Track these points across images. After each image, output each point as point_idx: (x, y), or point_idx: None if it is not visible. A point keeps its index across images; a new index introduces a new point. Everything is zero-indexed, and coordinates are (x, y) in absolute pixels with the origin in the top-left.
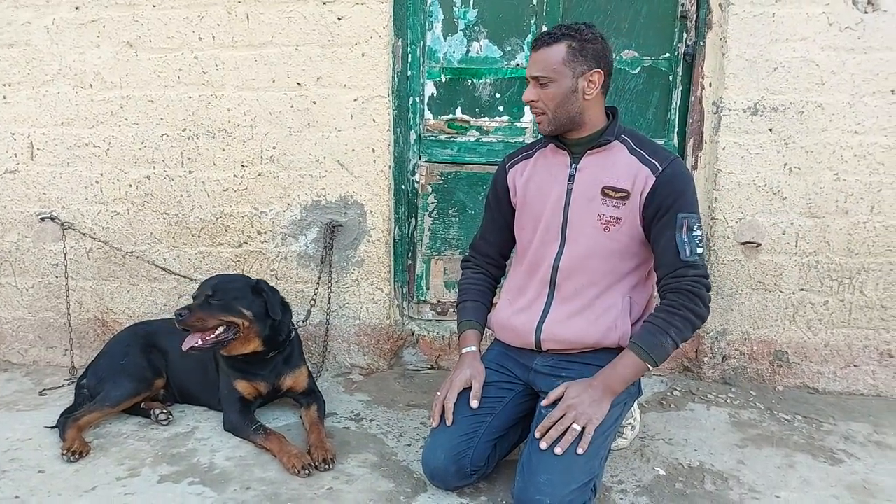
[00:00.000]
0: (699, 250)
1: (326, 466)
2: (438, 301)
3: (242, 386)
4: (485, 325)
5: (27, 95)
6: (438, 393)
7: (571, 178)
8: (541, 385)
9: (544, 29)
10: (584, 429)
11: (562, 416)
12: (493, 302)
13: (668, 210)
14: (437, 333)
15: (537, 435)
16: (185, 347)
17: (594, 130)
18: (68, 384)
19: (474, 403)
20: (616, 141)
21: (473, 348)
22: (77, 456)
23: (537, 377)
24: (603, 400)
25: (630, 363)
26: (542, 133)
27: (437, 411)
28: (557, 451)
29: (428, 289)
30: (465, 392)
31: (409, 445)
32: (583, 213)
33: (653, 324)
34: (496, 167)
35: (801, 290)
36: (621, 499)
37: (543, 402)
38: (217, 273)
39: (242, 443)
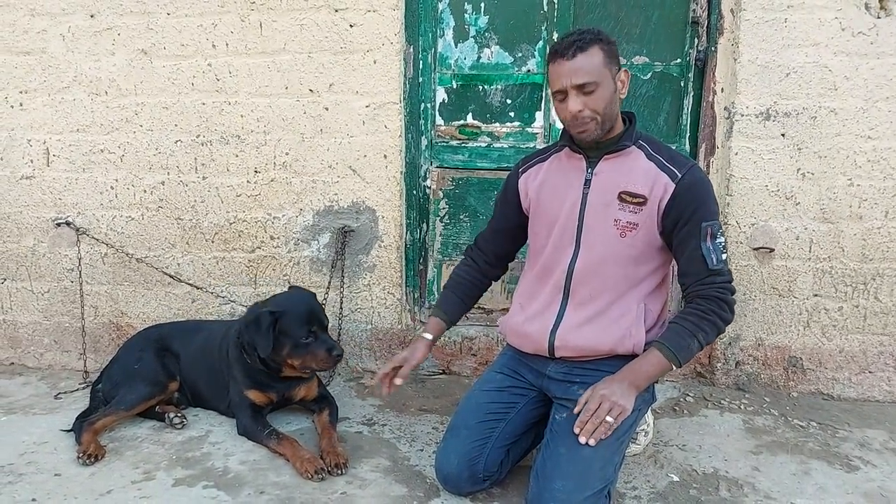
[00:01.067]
0: (724, 256)
1: (339, 471)
2: None
3: (254, 395)
4: (453, 319)
5: (43, 102)
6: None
7: (587, 183)
8: (554, 391)
9: (555, 35)
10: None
11: (597, 408)
12: (475, 298)
13: (689, 219)
14: (449, 338)
15: (576, 430)
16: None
17: (615, 134)
18: (83, 388)
19: (399, 381)
20: (633, 146)
21: (428, 336)
22: (93, 459)
23: (551, 383)
24: (629, 393)
25: (656, 362)
26: (586, 142)
27: (379, 379)
28: (591, 442)
29: (439, 294)
30: (479, 395)
31: (422, 450)
32: (599, 218)
33: (682, 326)
34: (507, 173)
35: (816, 295)
36: None
37: (575, 410)
38: (297, 292)
39: (256, 447)
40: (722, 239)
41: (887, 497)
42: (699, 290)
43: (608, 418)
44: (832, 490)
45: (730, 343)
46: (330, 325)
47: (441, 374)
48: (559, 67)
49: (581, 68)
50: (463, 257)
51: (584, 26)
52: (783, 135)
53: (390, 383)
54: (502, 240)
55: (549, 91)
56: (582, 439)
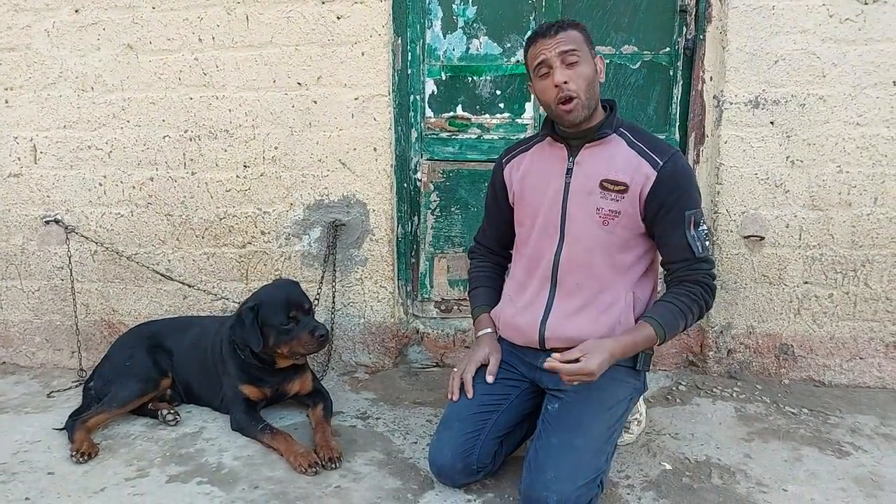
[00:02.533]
0: (707, 244)
1: (333, 465)
2: (443, 299)
3: (249, 390)
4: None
5: (29, 99)
6: (455, 370)
7: (569, 172)
8: (546, 382)
9: None
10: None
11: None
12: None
13: (672, 207)
14: (442, 331)
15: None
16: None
17: (596, 122)
18: (76, 386)
19: (490, 378)
20: (614, 134)
21: (489, 330)
22: (86, 457)
23: (543, 375)
24: (606, 367)
25: (648, 338)
26: (573, 122)
27: (454, 385)
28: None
29: (432, 287)
30: (474, 386)
31: (416, 443)
32: (581, 207)
33: (675, 305)
34: None
35: (806, 283)
36: (628, 493)
37: (563, 356)
38: (276, 283)
39: (250, 442)
40: (705, 227)
41: (878, 482)
42: (688, 274)
43: (574, 382)
44: (823, 476)
45: (721, 331)
46: (315, 311)
47: (434, 366)
48: (540, 45)
49: (564, 38)
50: (472, 259)
51: (573, 17)
52: (772, 123)
53: (472, 385)
54: (500, 232)
55: (530, 74)
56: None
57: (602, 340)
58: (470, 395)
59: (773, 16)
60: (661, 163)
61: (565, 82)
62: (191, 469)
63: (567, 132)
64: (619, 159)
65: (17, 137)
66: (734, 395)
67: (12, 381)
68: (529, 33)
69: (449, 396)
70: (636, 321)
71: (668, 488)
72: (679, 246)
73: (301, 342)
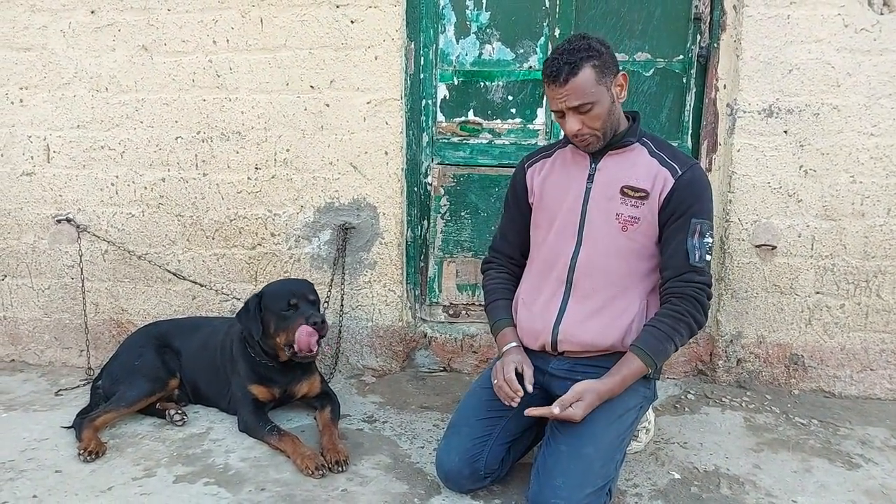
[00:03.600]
0: (707, 257)
1: (340, 468)
2: (451, 303)
3: (257, 390)
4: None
5: (43, 98)
6: (495, 381)
7: (591, 178)
8: (556, 389)
9: (557, 31)
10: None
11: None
12: None
13: (683, 213)
14: (450, 336)
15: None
16: (314, 351)
17: (618, 132)
18: (84, 385)
19: (530, 387)
20: (637, 143)
21: (515, 344)
22: (93, 456)
23: (552, 381)
24: (597, 400)
25: (637, 370)
26: (590, 150)
27: (507, 392)
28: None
29: (440, 291)
30: (480, 393)
31: (423, 447)
32: (601, 212)
33: (659, 329)
34: (509, 169)
35: (817, 293)
36: (636, 502)
37: (558, 406)
38: (285, 278)
39: (257, 444)
40: (710, 240)
41: (888, 495)
42: (676, 287)
43: (556, 411)
44: (833, 488)
45: (731, 340)
46: (324, 313)
47: (442, 371)
48: (553, 92)
49: (574, 92)
50: (488, 270)
51: (575, 36)
52: (786, 132)
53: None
54: (518, 238)
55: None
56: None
57: (592, 384)
58: (521, 396)
59: (788, 25)
60: (680, 171)
61: (578, 129)
62: (198, 470)
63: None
64: (641, 167)
65: (30, 136)
66: (743, 404)
67: (21, 379)
68: (544, 67)
69: (511, 403)
70: None
71: (676, 498)
72: (677, 251)
73: (296, 329)
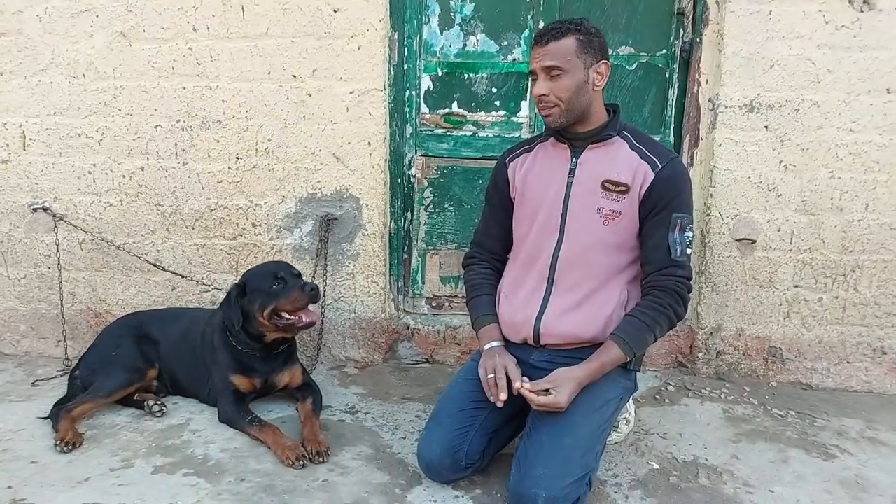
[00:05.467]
0: (688, 251)
1: (321, 459)
2: (434, 295)
3: (239, 380)
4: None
5: (19, 84)
6: (489, 376)
7: (572, 172)
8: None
9: (542, 24)
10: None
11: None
12: None
13: (663, 208)
14: (433, 327)
15: (538, 404)
16: (315, 319)
17: (597, 125)
18: (61, 375)
19: (516, 390)
20: (617, 136)
21: (498, 343)
22: (70, 447)
23: (535, 372)
24: (575, 393)
25: (616, 357)
26: (551, 127)
27: (495, 389)
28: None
29: (423, 283)
30: (462, 384)
31: (405, 438)
32: (583, 206)
33: (640, 320)
34: (492, 162)
35: (796, 286)
36: (616, 492)
37: (537, 386)
38: (265, 261)
39: (237, 435)
40: (690, 234)
41: (862, 485)
42: (659, 280)
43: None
44: (809, 478)
45: (711, 333)
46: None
47: (424, 363)
48: (534, 52)
49: (550, 53)
50: (470, 266)
51: (571, 16)
52: (766, 127)
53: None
54: (501, 232)
55: None
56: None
57: (571, 370)
58: (504, 397)
59: (769, 21)
60: (660, 165)
61: (544, 94)
62: (177, 460)
63: (569, 132)
64: (621, 161)
65: (5, 123)
66: (722, 396)
67: None
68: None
69: (497, 401)
70: None
71: (655, 487)
72: (658, 245)
73: (290, 299)
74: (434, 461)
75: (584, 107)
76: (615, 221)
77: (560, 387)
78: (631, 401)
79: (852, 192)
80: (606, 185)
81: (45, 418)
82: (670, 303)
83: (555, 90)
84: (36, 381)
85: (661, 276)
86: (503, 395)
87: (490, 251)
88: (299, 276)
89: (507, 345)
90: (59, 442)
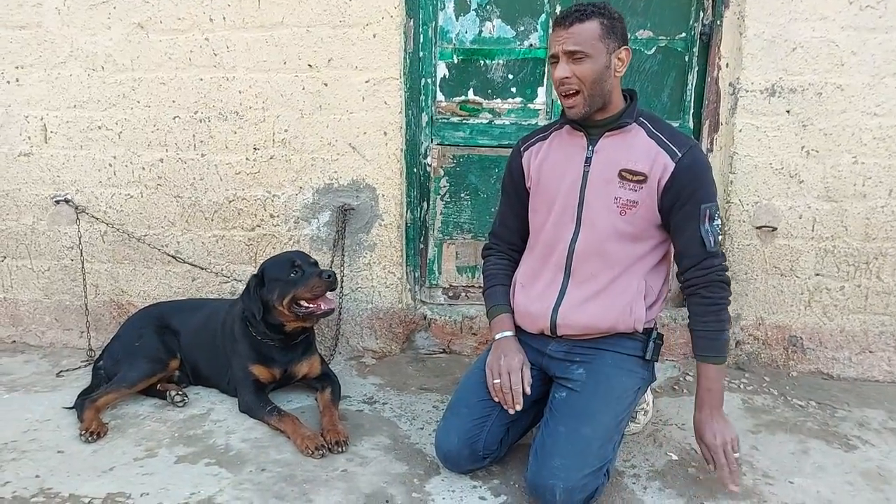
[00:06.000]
0: (720, 238)
1: (340, 449)
2: (451, 285)
3: (258, 370)
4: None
5: (39, 77)
6: (496, 381)
7: (588, 161)
8: (554, 370)
9: (558, 8)
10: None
11: (726, 455)
12: None
13: (688, 199)
14: (450, 318)
15: (733, 488)
16: (334, 307)
17: (615, 112)
18: (85, 366)
19: (528, 389)
20: (634, 123)
21: (510, 333)
22: (95, 436)
23: (551, 362)
24: (725, 421)
25: (721, 375)
26: (575, 118)
27: (510, 398)
28: (734, 489)
29: (440, 273)
30: (479, 374)
31: (422, 429)
32: (599, 196)
33: (712, 329)
34: (509, 150)
35: (818, 275)
36: (634, 483)
37: (710, 467)
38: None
39: (257, 424)
40: (718, 221)
41: (884, 476)
42: (701, 276)
43: (736, 455)
44: (830, 469)
45: (730, 322)
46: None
47: (441, 353)
48: (556, 34)
49: (573, 36)
50: (488, 257)
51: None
52: (788, 111)
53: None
54: (517, 222)
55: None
56: (735, 489)
57: (703, 413)
58: (519, 408)
59: (792, 2)
60: (679, 154)
61: (566, 77)
62: (199, 450)
63: (586, 120)
64: (639, 149)
65: (27, 116)
66: (742, 386)
67: (22, 360)
68: (556, 16)
69: (511, 409)
70: (647, 309)
71: (673, 479)
72: (693, 239)
73: (308, 287)
74: (452, 451)
75: (606, 93)
76: (632, 211)
77: (705, 432)
78: (649, 391)
79: (876, 177)
80: (624, 174)
81: (70, 408)
82: (723, 295)
83: (577, 73)
84: (60, 371)
85: (702, 269)
86: (518, 407)
87: (507, 242)
88: (316, 264)
89: (522, 334)
90: (83, 432)
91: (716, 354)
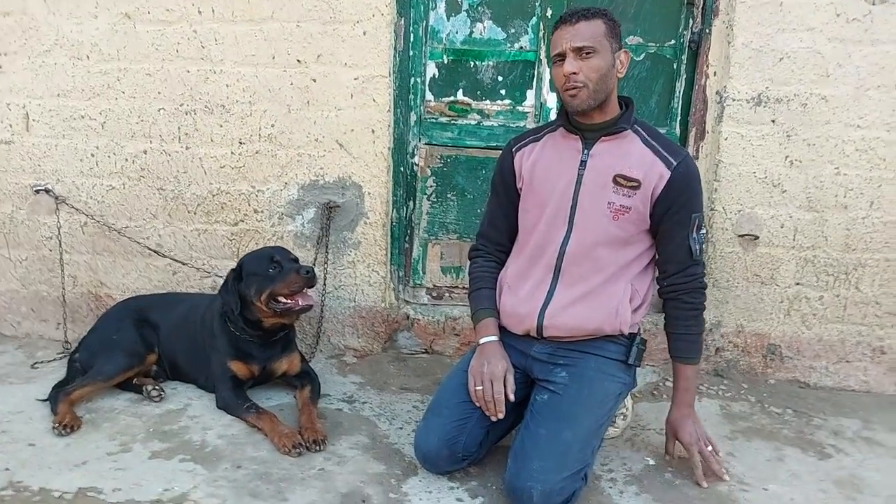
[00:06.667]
0: (703, 246)
1: (317, 447)
2: (434, 285)
3: (237, 366)
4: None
5: (23, 65)
6: (478, 388)
7: (583, 164)
8: (537, 372)
9: (549, 11)
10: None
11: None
12: None
13: (681, 208)
14: (433, 318)
15: (703, 484)
16: (312, 304)
17: (612, 116)
18: (61, 358)
19: (512, 396)
20: (630, 130)
21: (495, 338)
22: (68, 430)
23: (534, 364)
24: (697, 420)
25: (696, 375)
26: (577, 108)
27: (493, 406)
28: (703, 484)
29: (424, 273)
30: (461, 376)
31: (402, 428)
32: (593, 200)
33: (691, 334)
34: (497, 152)
35: (797, 284)
36: (611, 487)
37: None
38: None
39: (234, 421)
40: (704, 230)
41: (857, 485)
42: (684, 282)
43: (710, 450)
44: (804, 476)
45: (710, 329)
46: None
47: (424, 353)
48: (561, 32)
49: (581, 32)
50: (475, 258)
51: (580, 5)
52: (773, 121)
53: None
54: (506, 223)
55: (548, 58)
56: (704, 485)
57: (676, 415)
58: (502, 416)
59: (780, 12)
60: (674, 163)
61: (574, 73)
62: (174, 446)
63: (581, 123)
64: (634, 156)
65: (9, 104)
66: (720, 392)
67: None
68: (559, 18)
69: (493, 418)
70: (633, 312)
71: (650, 483)
72: (681, 247)
73: (286, 282)
74: (431, 452)
75: (609, 92)
76: (625, 217)
77: (679, 431)
78: (629, 396)
79: (857, 189)
80: (618, 179)
81: (44, 401)
82: (701, 301)
83: (584, 69)
84: (35, 363)
85: (686, 276)
86: (500, 415)
87: (495, 243)
88: (296, 260)
89: (506, 336)
90: (57, 425)
91: (695, 356)
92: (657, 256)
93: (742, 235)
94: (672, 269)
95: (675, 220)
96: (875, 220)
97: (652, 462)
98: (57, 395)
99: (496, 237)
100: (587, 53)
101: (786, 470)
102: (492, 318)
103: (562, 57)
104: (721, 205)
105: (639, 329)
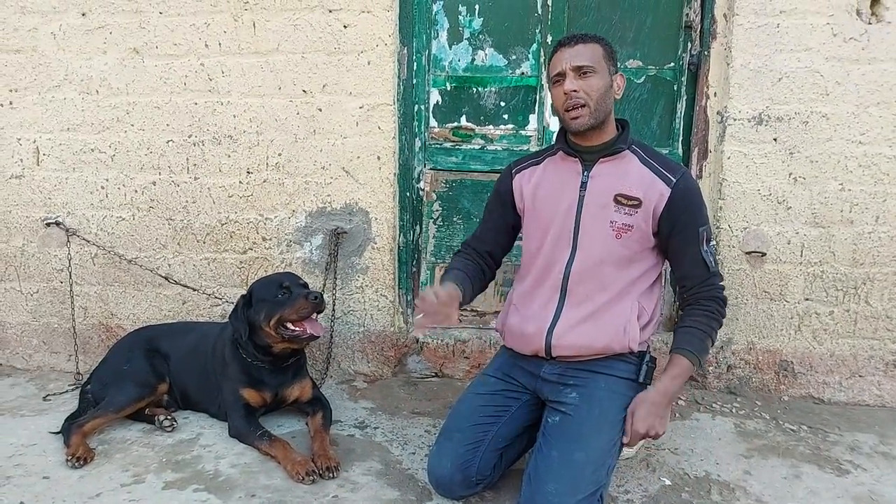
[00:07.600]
0: (716, 257)
1: (331, 474)
2: None
3: (249, 394)
4: (465, 295)
5: (33, 101)
6: (420, 317)
7: (584, 185)
8: (547, 393)
9: (549, 38)
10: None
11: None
12: (481, 287)
13: (686, 224)
14: (442, 341)
15: (625, 441)
16: (320, 332)
17: (610, 137)
18: (72, 389)
19: (432, 297)
20: (628, 150)
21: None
22: (82, 462)
23: (544, 385)
24: (666, 414)
25: (686, 368)
26: (578, 129)
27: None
28: (625, 440)
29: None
30: (472, 399)
31: (414, 453)
32: (595, 220)
33: (698, 328)
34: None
35: (807, 299)
36: None
37: (625, 440)
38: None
39: (247, 450)
40: (713, 242)
41: (876, 501)
42: (701, 291)
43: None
44: (822, 494)
45: (721, 347)
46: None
47: (433, 377)
48: (560, 54)
49: (580, 54)
50: (457, 253)
51: (579, 30)
52: (775, 139)
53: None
54: (494, 239)
55: (547, 82)
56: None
57: (640, 395)
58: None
59: (777, 33)
60: (674, 180)
61: (574, 91)
62: (187, 476)
63: (580, 146)
64: (633, 175)
65: (20, 139)
66: (734, 410)
67: (8, 384)
68: (557, 41)
69: (417, 304)
70: (640, 330)
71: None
72: (695, 262)
73: (295, 307)
74: (445, 477)
75: (607, 113)
76: (627, 235)
77: (635, 415)
78: None
79: (862, 204)
80: (619, 198)
81: (57, 433)
82: (718, 309)
83: (584, 88)
84: (47, 395)
85: (706, 286)
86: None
87: (477, 249)
88: (306, 286)
89: (516, 357)
90: (70, 457)
91: (696, 351)
92: (674, 273)
93: (749, 252)
94: (690, 283)
95: (683, 237)
96: (881, 234)
97: (668, 482)
98: (70, 428)
99: (479, 246)
100: (586, 73)
101: (804, 487)
102: (451, 282)
103: (561, 76)
104: (727, 223)
105: (648, 347)
